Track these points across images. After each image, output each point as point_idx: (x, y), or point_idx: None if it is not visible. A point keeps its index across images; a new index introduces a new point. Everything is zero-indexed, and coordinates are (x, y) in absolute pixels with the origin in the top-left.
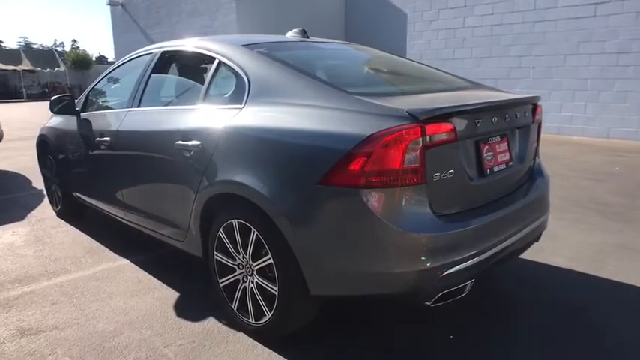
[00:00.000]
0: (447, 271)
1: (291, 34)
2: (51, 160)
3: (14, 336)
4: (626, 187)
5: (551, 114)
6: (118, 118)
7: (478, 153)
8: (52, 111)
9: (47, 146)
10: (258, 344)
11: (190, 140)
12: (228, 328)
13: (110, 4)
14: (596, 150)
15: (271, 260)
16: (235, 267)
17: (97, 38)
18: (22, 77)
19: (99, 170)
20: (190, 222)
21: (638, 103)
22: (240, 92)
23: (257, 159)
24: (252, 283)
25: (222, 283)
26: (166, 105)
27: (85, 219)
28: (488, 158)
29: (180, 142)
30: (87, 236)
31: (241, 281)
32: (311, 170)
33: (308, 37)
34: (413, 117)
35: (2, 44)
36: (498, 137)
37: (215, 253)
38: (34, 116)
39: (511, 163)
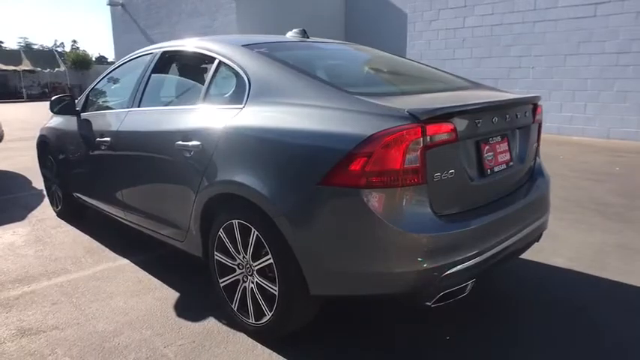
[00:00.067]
0: (448, 271)
1: (291, 34)
2: (51, 160)
3: (14, 336)
4: (627, 187)
5: (552, 114)
6: (118, 118)
7: (479, 153)
8: (52, 111)
9: (47, 146)
10: (259, 344)
11: (190, 140)
12: (229, 329)
13: (110, 4)
14: (596, 150)
15: (271, 260)
16: (235, 267)
17: (97, 38)
18: (22, 77)
19: (99, 170)
20: (190, 222)
21: (638, 103)
22: (241, 92)
23: (257, 159)
24: (253, 283)
25: (222, 283)
26: (166, 105)
27: (85, 219)
28: (488, 158)
29: (180, 142)
30: (87, 236)
31: (241, 281)
32: (311, 170)
33: (308, 37)
34: (413, 117)
35: (2, 44)
36: (499, 137)
37: (215, 253)
38: (34, 116)
39: (511, 163)
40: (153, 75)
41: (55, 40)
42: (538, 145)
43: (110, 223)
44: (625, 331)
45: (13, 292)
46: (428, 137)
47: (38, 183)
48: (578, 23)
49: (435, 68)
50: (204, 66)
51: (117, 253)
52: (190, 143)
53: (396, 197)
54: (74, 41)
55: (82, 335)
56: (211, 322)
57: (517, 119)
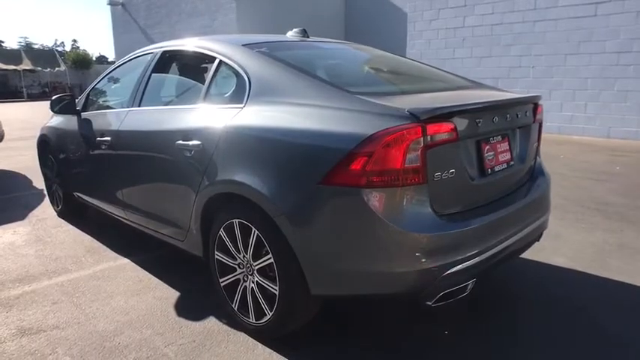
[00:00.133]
0: (448, 271)
1: (291, 34)
2: (52, 160)
3: (15, 335)
4: (627, 186)
5: (552, 113)
6: (119, 117)
7: (479, 152)
8: (52, 110)
9: (48, 146)
10: (259, 344)
11: (191, 140)
12: (229, 328)
13: (110, 3)
14: (596, 149)
15: (272, 260)
16: (236, 266)
17: (97, 38)
18: (23, 77)
19: (99, 170)
20: (191, 221)
21: (638, 102)
22: (241, 92)
23: (258, 158)
24: (253, 282)
25: (222, 282)
26: (167, 105)
27: (85, 218)
28: (489, 158)
29: (180, 142)
30: (87, 236)
31: (242, 281)
32: (312, 170)
33: (308, 37)
34: (414, 116)
35: (3, 44)
36: (499, 137)
37: (216, 252)
38: (35, 116)
39: (512, 163)
40: (153, 74)
41: (56, 40)
42: (538, 145)
43: (111, 223)
44: (625, 331)
45: (14, 292)
46: (428, 137)
47: (39, 182)
48: (579, 23)
49: (435, 68)
50: (204, 65)
51: (117, 253)
52: (191, 143)
53: (397, 197)
54: (74, 41)
55: (83, 335)
56: (212, 322)
57: (518, 119)
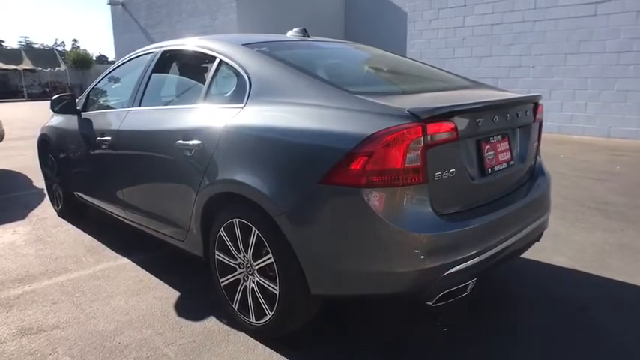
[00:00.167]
0: (449, 271)
1: (291, 34)
2: (52, 159)
3: (15, 335)
4: (627, 186)
5: (552, 113)
6: (119, 117)
7: (479, 152)
8: (52, 110)
9: (48, 145)
10: (259, 344)
11: (191, 139)
12: (229, 328)
13: (111, 3)
14: (596, 149)
15: (272, 259)
16: (236, 266)
17: (97, 38)
18: (23, 77)
19: (100, 169)
20: (191, 221)
21: (638, 102)
22: (241, 91)
23: (258, 158)
24: (253, 282)
25: (222, 282)
26: (167, 104)
27: (85, 218)
28: (489, 157)
29: (181, 142)
30: (88, 235)
31: (242, 280)
32: (312, 169)
33: (309, 37)
34: (414, 116)
35: (3, 44)
36: (499, 136)
37: (216, 252)
38: (35, 115)
39: (512, 163)
40: (153, 74)
41: (56, 40)
42: (539, 144)
43: (111, 223)
44: (626, 332)
45: (14, 292)
46: (429, 136)
47: (39, 182)
48: (579, 22)
49: (436, 67)
50: (204, 65)
51: (117, 252)
52: (191, 142)
53: (397, 196)
54: (75, 40)
55: (83, 334)
56: (212, 322)
57: (518, 118)
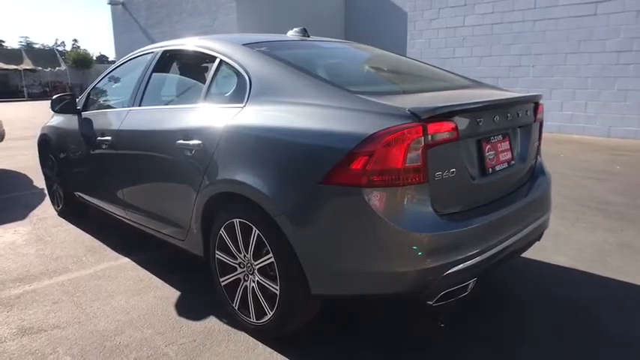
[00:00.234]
0: (449, 271)
1: (291, 33)
2: (52, 159)
3: (15, 335)
4: (627, 185)
5: (552, 113)
6: (119, 117)
7: (480, 152)
8: (53, 110)
9: (48, 145)
10: (260, 343)
11: (191, 139)
12: (230, 328)
13: (111, 3)
14: (596, 149)
15: (272, 259)
16: (236, 266)
17: (97, 37)
18: (24, 77)
19: (100, 169)
20: (191, 221)
21: (638, 101)
22: (242, 91)
23: (258, 158)
24: (254, 282)
25: (223, 282)
26: (167, 104)
27: (86, 218)
28: (490, 157)
29: (181, 141)
30: (88, 235)
31: (242, 280)
32: (312, 169)
33: (309, 36)
34: (415, 116)
35: (4, 44)
36: (500, 136)
37: (216, 252)
38: (35, 115)
39: (513, 162)
40: (154, 74)
41: (56, 39)
42: (539, 144)
43: (111, 222)
44: (627, 331)
45: (14, 291)
46: (429, 136)
47: (39, 182)
48: (579, 22)
49: (436, 67)
50: (205, 65)
51: (118, 252)
52: (191, 142)
53: (398, 196)
54: (75, 40)
55: (83, 334)
56: (212, 321)
57: (518, 118)
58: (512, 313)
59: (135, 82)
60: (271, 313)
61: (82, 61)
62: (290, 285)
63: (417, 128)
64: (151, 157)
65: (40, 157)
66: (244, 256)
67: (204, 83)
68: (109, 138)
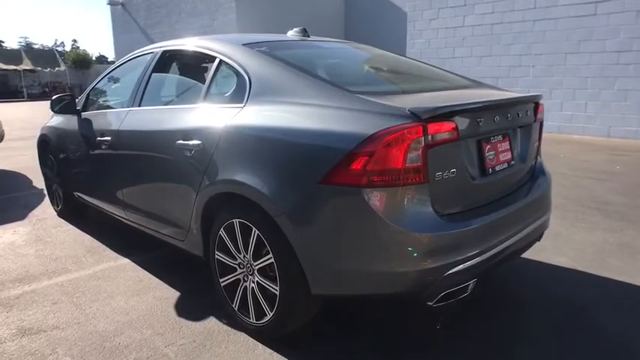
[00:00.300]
0: (450, 271)
1: (291, 33)
2: (52, 160)
3: (15, 335)
4: (627, 185)
5: (552, 113)
6: (119, 117)
7: (480, 152)
8: (52, 110)
9: (48, 145)
10: (259, 344)
11: (191, 139)
12: (229, 328)
13: (110, 3)
14: (596, 149)
15: (272, 260)
16: (236, 266)
17: (97, 38)
18: (23, 77)
19: (100, 170)
20: (191, 221)
21: (638, 101)
22: (241, 91)
23: (258, 158)
24: (253, 282)
25: (223, 282)
26: (167, 104)
27: (85, 218)
28: (490, 157)
29: (181, 142)
30: (88, 236)
31: (242, 281)
32: (312, 169)
33: (309, 36)
34: (415, 116)
35: (3, 44)
36: (500, 136)
37: (216, 252)
38: (35, 116)
39: (513, 162)
40: (153, 74)
41: (56, 40)
42: (539, 144)
43: (111, 223)
44: (627, 332)
45: (14, 292)
46: (429, 136)
47: (39, 182)
48: (579, 22)
49: (436, 67)
50: (204, 65)
51: (117, 253)
52: (191, 142)
53: (398, 196)
54: (74, 41)
55: (83, 335)
56: (212, 322)
57: (518, 118)
58: (512, 313)
59: (134, 83)
60: (271, 314)
61: (81, 62)
62: (290, 285)
63: (417, 128)
64: (150, 158)
65: (39, 157)
66: (244, 256)
67: (203, 83)
68: (109, 138)
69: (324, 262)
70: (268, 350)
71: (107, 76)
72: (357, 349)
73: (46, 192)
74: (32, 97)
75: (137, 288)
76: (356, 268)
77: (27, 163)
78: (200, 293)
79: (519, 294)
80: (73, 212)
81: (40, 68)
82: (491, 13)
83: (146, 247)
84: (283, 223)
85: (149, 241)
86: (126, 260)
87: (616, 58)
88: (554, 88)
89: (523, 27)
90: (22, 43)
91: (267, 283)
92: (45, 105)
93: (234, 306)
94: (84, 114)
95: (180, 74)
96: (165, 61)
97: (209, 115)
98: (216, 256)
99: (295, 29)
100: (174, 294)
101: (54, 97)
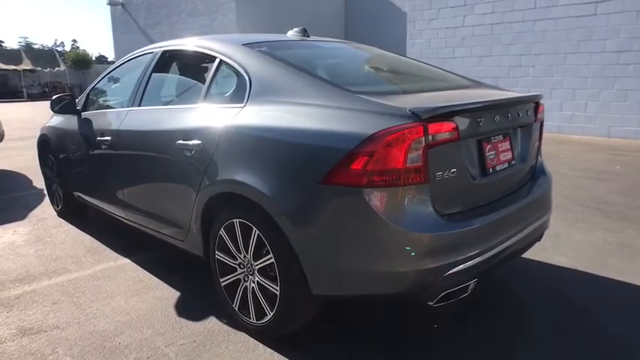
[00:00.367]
0: (450, 271)
1: (291, 33)
2: (52, 160)
3: (15, 335)
4: (627, 185)
5: (552, 113)
6: (119, 117)
7: (480, 152)
8: (52, 110)
9: (48, 145)
10: (260, 344)
11: (191, 139)
12: (230, 328)
13: (110, 3)
14: (596, 149)
15: (273, 260)
16: (236, 266)
17: (97, 38)
18: (23, 77)
19: (100, 169)
20: (191, 221)
21: (638, 101)
22: (242, 91)
23: (258, 158)
24: (254, 282)
25: (223, 282)
26: (167, 104)
27: (85, 218)
28: (490, 157)
29: (181, 142)
30: (88, 236)
31: (242, 281)
32: (313, 169)
33: (309, 36)
34: (415, 116)
35: (3, 44)
36: (501, 136)
37: (216, 252)
38: (35, 116)
39: (513, 162)
40: (153, 74)
41: (55, 40)
42: (540, 144)
43: (111, 223)
44: (627, 332)
45: (14, 292)
46: (430, 136)
47: (39, 182)
48: (579, 22)
49: (436, 67)
50: (204, 65)
51: (117, 253)
52: (191, 142)
53: (398, 196)
54: (74, 41)
55: (83, 335)
56: (212, 322)
57: (519, 118)
58: (512, 313)
59: (134, 83)
60: (271, 314)
61: (81, 62)
62: (290, 285)
63: (417, 128)
64: (150, 158)
65: (39, 157)
66: (244, 256)
67: (203, 83)
68: (109, 138)
69: (324, 262)
70: (268, 350)
71: (107, 76)
72: (357, 349)
73: (46, 192)
74: (32, 97)
75: (137, 288)
76: (356, 268)
77: (27, 163)
78: (200, 293)
79: (519, 294)
80: (73, 212)
81: (39, 68)
82: (491, 13)
83: (146, 247)
84: (284, 223)
85: (149, 241)
86: (126, 260)
87: (616, 58)
88: (554, 88)
89: (523, 27)
90: (22, 43)
91: (267, 283)
92: (45, 105)
93: (234, 306)
94: (84, 114)
95: (181, 74)
96: (166, 61)
97: (209, 115)
98: (217, 256)
99: (295, 29)
100: (174, 294)
101: (54, 97)
